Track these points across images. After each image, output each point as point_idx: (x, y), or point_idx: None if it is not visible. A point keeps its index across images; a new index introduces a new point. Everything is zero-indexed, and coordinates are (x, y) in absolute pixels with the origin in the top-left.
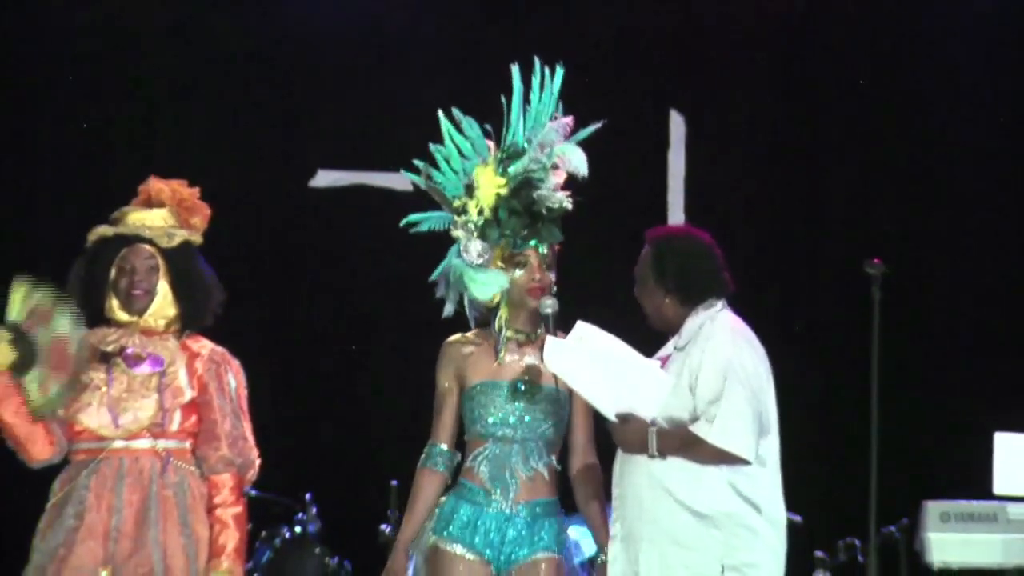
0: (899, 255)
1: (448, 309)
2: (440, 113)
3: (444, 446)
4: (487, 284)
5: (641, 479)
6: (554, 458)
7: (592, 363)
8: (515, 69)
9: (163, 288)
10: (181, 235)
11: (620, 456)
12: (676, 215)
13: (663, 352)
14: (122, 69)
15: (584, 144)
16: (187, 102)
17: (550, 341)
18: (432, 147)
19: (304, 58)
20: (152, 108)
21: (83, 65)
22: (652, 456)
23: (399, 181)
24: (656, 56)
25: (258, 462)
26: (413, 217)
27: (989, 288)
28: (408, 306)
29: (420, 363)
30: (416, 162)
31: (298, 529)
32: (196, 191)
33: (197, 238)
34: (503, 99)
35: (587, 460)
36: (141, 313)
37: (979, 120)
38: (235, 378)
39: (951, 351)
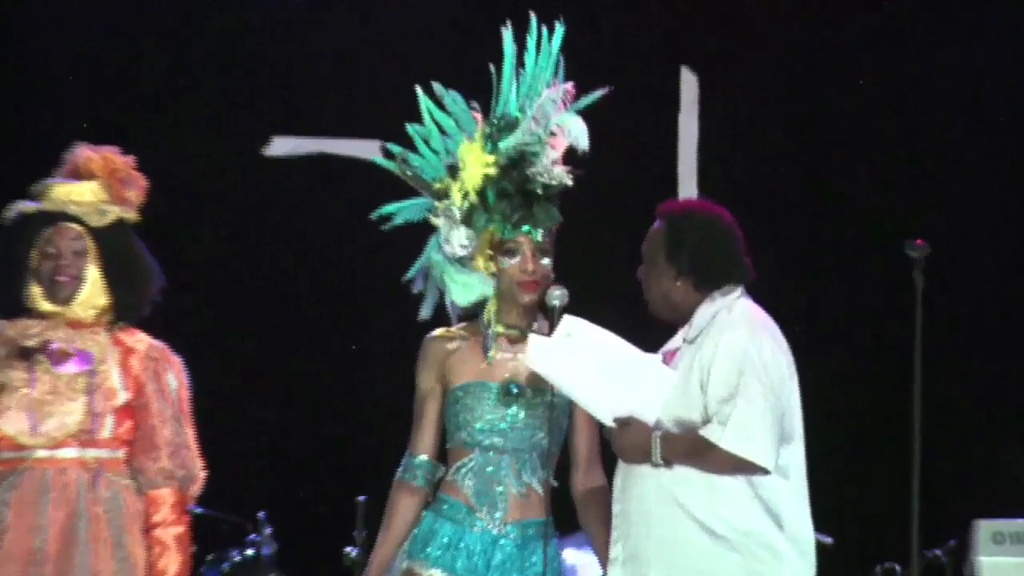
0: (946, 235)
1: (426, 310)
2: (418, 89)
3: (425, 457)
4: (468, 287)
5: (648, 492)
6: (550, 472)
7: (584, 362)
8: (506, 29)
9: (93, 273)
10: (114, 212)
11: (622, 467)
12: (688, 188)
13: (670, 345)
14: (51, 26)
15: (583, 110)
16: (119, 60)
17: (533, 340)
18: (409, 127)
19: (255, 7)
20: (81, 68)
21: (12, 24)
22: (656, 465)
23: (367, 148)
24: (664, 5)
25: (203, 474)
26: (387, 209)
27: None
28: (381, 293)
29: (396, 358)
30: (391, 146)
31: (250, 552)
32: (130, 160)
33: (132, 215)
34: (491, 66)
35: (592, 475)
36: (67, 302)
37: None
38: (176, 378)
39: (1006, 350)
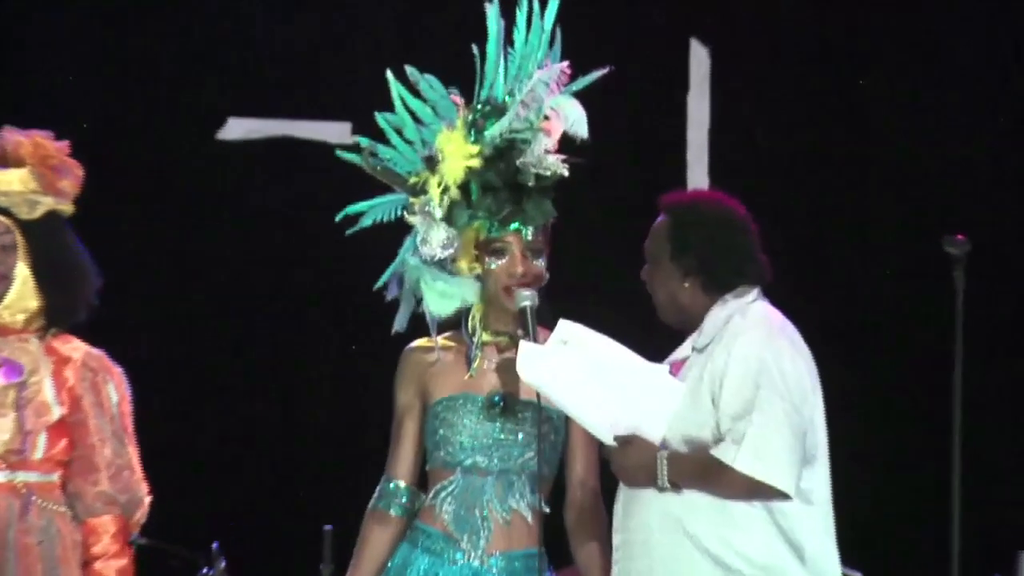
0: (991, 229)
1: (399, 321)
2: (388, 74)
3: (403, 482)
4: (446, 296)
5: (652, 520)
6: (541, 497)
7: (580, 372)
8: (490, 4)
9: (22, 272)
10: (46, 203)
11: (624, 492)
12: (698, 176)
13: (678, 354)
14: None
15: (581, 92)
16: (56, 33)
17: (524, 347)
18: (378, 116)
19: None
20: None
21: None
22: (662, 488)
23: (333, 131)
24: None
25: (148, 500)
26: (353, 208)
27: None
28: (351, 294)
29: (370, 370)
30: (360, 140)
31: None
32: (65, 146)
33: (67, 207)
34: (474, 47)
35: (588, 499)
36: None
37: None
38: (117, 391)
39: None
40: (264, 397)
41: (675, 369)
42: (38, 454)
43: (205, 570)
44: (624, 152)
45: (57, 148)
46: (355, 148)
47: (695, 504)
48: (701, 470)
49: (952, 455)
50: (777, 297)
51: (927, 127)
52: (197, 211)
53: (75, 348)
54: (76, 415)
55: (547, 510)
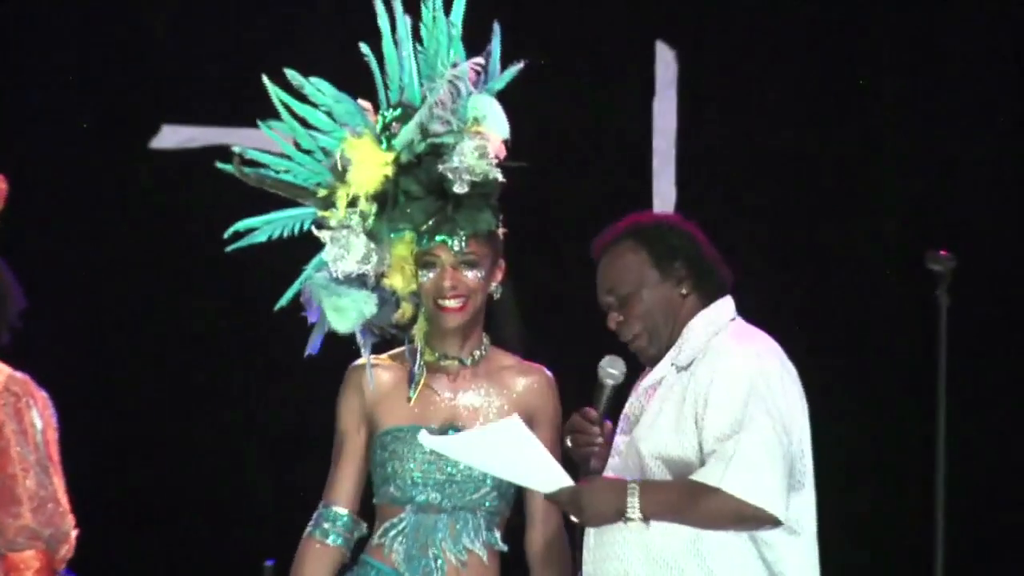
0: (975, 245)
1: (312, 344)
2: (264, 80)
3: (342, 510)
4: (341, 311)
5: (631, 554)
6: (498, 535)
7: (487, 455)
8: (386, 3)
9: None
10: None
11: (593, 529)
12: (664, 186)
13: (653, 377)
14: None
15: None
16: None
17: (432, 439)
18: (261, 124)
19: None
20: None
21: None
22: (628, 520)
23: (273, 141)
24: None
25: (75, 534)
26: (243, 224)
27: None
28: (292, 312)
29: (312, 391)
30: (234, 148)
31: None
32: None
33: None
34: (364, 46)
35: (551, 534)
36: None
37: None
38: (41, 417)
39: None
40: (202, 427)
41: (649, 393)
42: None
43: None
44: (587, 160)
45: None
46: (227, 158)
47: (676, 535)
48: (680, 497)
49: (937, 481)
50: (748, 314)
51: (907, 134)
52: (130, 224)
53: None
54: None
55: (504, 548)
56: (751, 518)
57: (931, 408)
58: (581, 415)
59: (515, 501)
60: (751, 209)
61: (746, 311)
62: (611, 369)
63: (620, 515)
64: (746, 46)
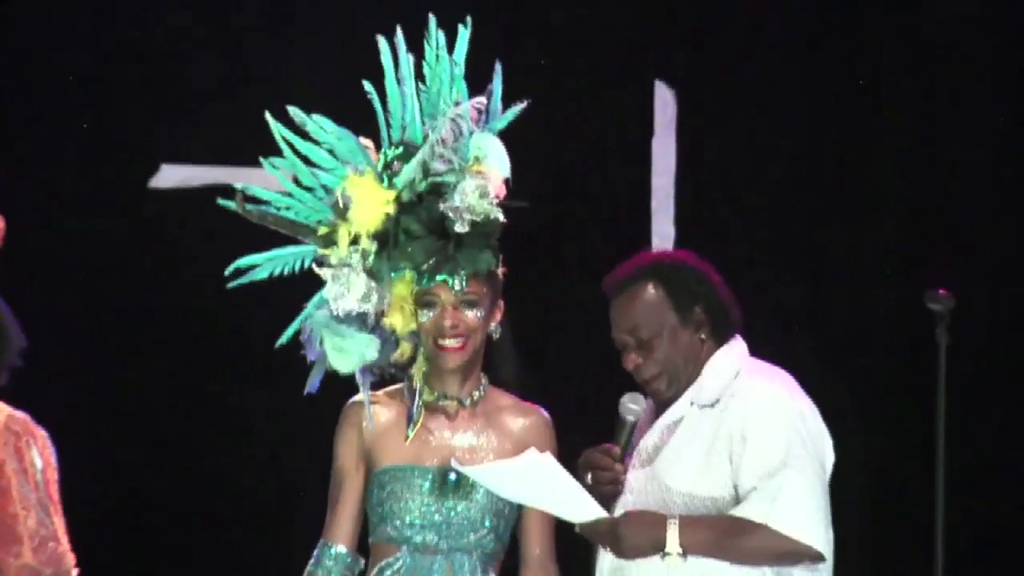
0: (974, 285)
1: (312, 382)
2: (268, 117)
3: (342, 548)
4: (344, 352)
5: None
6: None
7: (522, 482)
8: (382, 38)
9: None
10: None
11: (608, 563)
12: (662, 225)
13: (671, 414)
14: None
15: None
16: None
17: (465, 468)
18: (264, 161)
19: (143, 21)
20: None
21: None
22: (665, 555)
23: (273, 179)
24: (636, 8)
25: (75, 573)
26: (245, 261)
27: None
28: (290, 349)
29: (309, 428)
30: (236, 185)
31: None
32: None
33: None
34: (367, 84)
35: (545, 575)
36: None
37: None
38: (41, 456)
39: None
40: (198, 461)
41: (667, 433)
42: None
43: None
44: (586, 199)
45: None
46: (230, 195)
47: (701, 570)
48: (722, 533)
49: (936, 517)
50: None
51: (908, 174)
52: (129, 263)
53: None
54: None
55: None
56: (795, 553)
57: (930, 414)
58: (603, 452)
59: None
60: (751, 248)
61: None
62: (632, 405)
63: (658, 549)
64: (744, 86)
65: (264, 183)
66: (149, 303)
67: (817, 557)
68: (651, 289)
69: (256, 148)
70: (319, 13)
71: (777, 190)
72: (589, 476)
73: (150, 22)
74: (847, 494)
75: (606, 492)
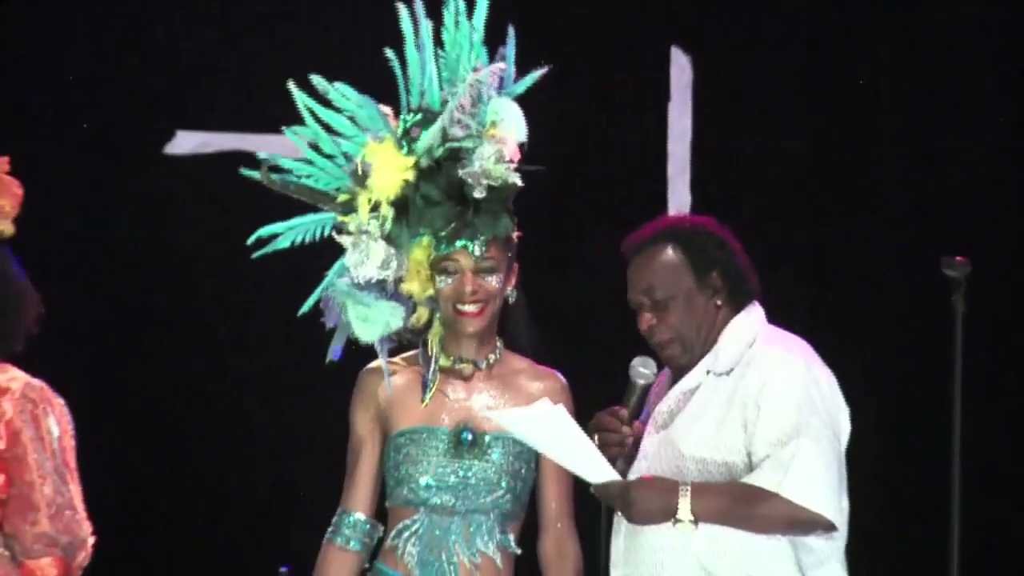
0: (991, 250)
1: (334, 350)
2: (291, 85)
3: (360, 515)
4: (368, 321)
5: (665, 558)
6: (512, 538)
7: (546, 435)
8: (401, 4)
9: None
10: None
11: (626, 526)
12: (679, 190)
13: (687, 381)
14: None
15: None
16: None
17: (502, 415)
18: (286, 130)
19: None
20: None
21: None
22: (677, 522)
23: (286, 145)
24: None
25: (92, 541)
26: (266, 230)
27: None
28: (309, 319)
29: (326, 396)
30: (260, 155)
31: None
32: (3, 162)
33: (6, 227)
34: (389, 51)
35: (563, 538)
36: None
37: None
38: (58, 424)
39: None
40: (216, 433)
41: (686, 398)
42: None
43: None
44: (603, 165)
45: None
46: (254, 164)
47: (713, 540)
48: (734, 501)
49: (952, 492)
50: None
51: (922, 140)
52: (145, 228)
53: (13, 378)
54: (14, 450)
55: (518, 551)
56: (806, 523)
57: (947, 415)
58: (611, 414)
59: (529, 504)
60: (767, 213)
61: (767, 310)
62: (643, 369)
63: (669, 515)
64: (760, 52)
65: (279, 150)
66: (164, 273)
67: (829, 527)
68: (669, 251)
69: (273, 116)
70: None
71: (794, 156)
72: (596, 437)
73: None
74: (862, 463)
75: (613, 454)
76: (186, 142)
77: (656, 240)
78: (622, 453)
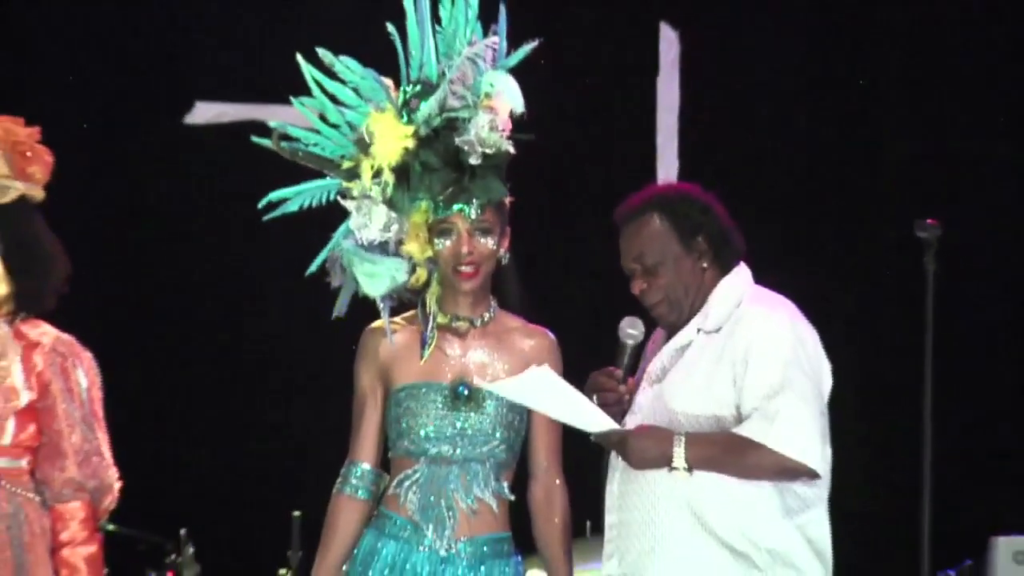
0: (962, 215)
1: (340, 306)
2: (299, 58)
3: (367, 465)
4: (374, 277)
5: (656, 503)
6: (506, 485)
7: (540, 393)
8: None
9: None
10: (17, 189)
11: (620, 472)
12: (668, 162)
13: (679, 339)
14: None
15: (535, 71)
16: (22, 18)
17: (496, 385)
18: (295, 101)
19: None
20: None
21: None
22: (672, 469)
23: (297, 116)
24: None
25: (118, 486)
26: (276, 195)
27: None
28: (316, 280)
29: (332, 354)
30: (272, 124)
31: (170, 575)
32: (35, 132)
33: (37, 193)
34: (390, 26)
35: (551, 485)
36: None
37: None
38: (86, 376)
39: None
40: (231, 387)
41: (677, 356)
42: (6, 439)
43: (173, 556)
44: (588, 138)
45: (27, 134)
46: (266, 131)
47: (703, 486)
48: (725, 449)
49: (924, 442)
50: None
51: (898, 112)
52: (163, 195)
53: (44, 333)
54: (45, 401)
55: (512, 497)
56: (791, 470)
57: (919, 375)
58: (606, 375)
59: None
60: (751, 181)
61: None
62: (631, 330)
63: (665, 462)
64: (744, 27)
65: (289, 120)
66: (183, 237)
67: (812, 474)
68: (656, 219)
69: (282, 87)
70: None
71: (775, 125)
72: (595, 398)
73: None
74: (840, 416)
75: (613, 413)
76: (204, 112)
77: (644, 210)
78: (622, 410)
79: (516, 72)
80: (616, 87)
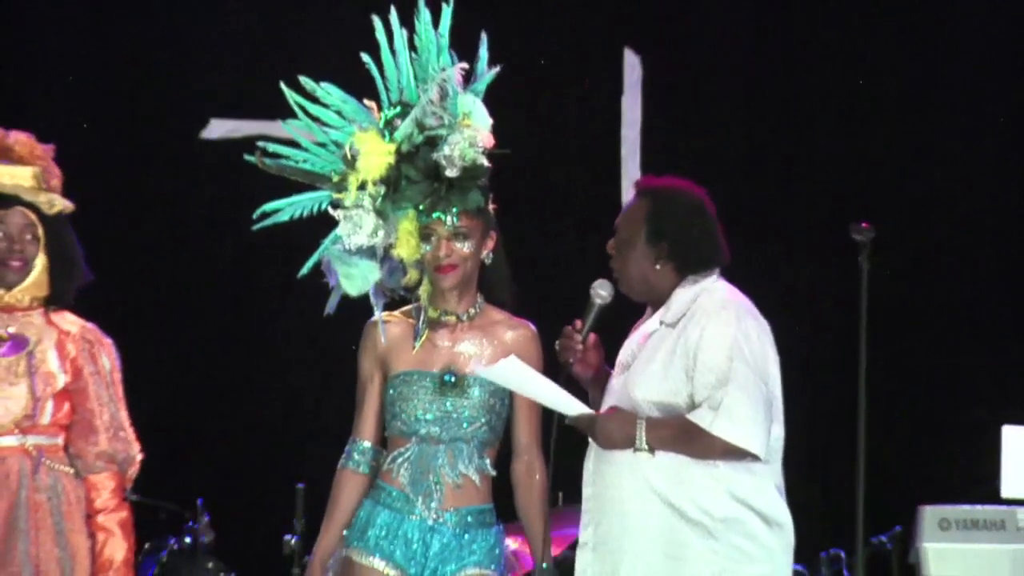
0: (892, 218)
1: (331, 304)
2: (282, 86)
3: (367, 443)
4: (351, 278)
5: (622, 479)
6: (488, 462)
7: (521, 380)
8: (376, 18)
9: (41, 262)
10: (60, 202)
11: (594, 450)
12: (631, 169)
13: (646, 327)
14: None
15: (516, 91)
16: (41, 33)
17: (488, 369)
18: (283, 124)
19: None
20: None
21: None
22: (637, 450)
23: (302, 132)
24: None
25: (140, 457)
26: (269, 206)
27: (1000, 261)
28: (320, 279)
29: (335, 345)
30: (258, 144)
31: (187, 540)
32: (50, 149)
33: (69, 205)
34: (365, 56)
35: (531, 463)
36: (11, 287)
37: (985, 56)
38: (109, 359)
39: (953, 332)
40: (242, 371)
41: (642, 340)
42: (45, 419)
43: (190, 523)
44: (560, 151)
45: (44, 150)
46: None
47: (658, 465)
48: (677, 433)
49: (858, 421)
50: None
51: (840, 125)
52: (179, 204)
53: (72, 322)
54: (77, 383)
55: (494, 473)
56: (735, 453)
57: (854, 361)
58: (570, 326)
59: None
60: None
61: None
62: (601, 291)
63: (629, 444)
64: (704, 53)
65: (299, 134)
66: (198, 240)
67: (754, 457)
68: (643, 207)
69: (286, 107)
70: None
71: (724, 139)
72: (557, 344)
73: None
74: (785, 395)
75: (566, 358)
76: (218, 128)
77: (644, 193)
78: (574, 358)
79: (499, 92)
80: (583, 106)
